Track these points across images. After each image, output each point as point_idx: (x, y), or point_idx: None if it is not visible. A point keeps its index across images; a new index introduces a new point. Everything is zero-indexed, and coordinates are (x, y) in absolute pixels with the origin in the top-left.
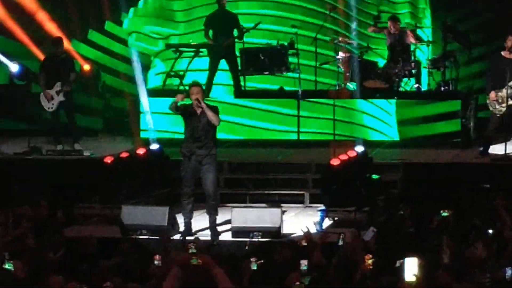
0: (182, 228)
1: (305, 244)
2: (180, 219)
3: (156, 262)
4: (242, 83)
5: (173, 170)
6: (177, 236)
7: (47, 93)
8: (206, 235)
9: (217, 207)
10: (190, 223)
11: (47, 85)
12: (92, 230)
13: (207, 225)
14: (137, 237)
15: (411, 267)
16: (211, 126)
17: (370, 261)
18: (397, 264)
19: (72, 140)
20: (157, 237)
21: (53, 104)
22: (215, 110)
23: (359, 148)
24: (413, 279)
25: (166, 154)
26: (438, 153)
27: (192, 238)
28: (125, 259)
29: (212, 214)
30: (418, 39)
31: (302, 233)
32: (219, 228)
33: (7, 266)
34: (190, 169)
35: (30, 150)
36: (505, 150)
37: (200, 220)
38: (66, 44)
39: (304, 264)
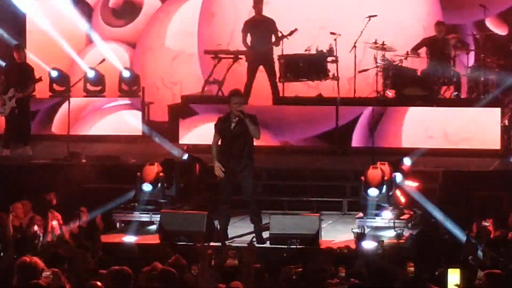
0: (219, 234)
1: (345, 251)
2: (218, 225)
3: (193, 271)
4: (280, 90)
5: (211, 175)
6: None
7: (0, 98)
8: (242, 242)
9: (260, 213)
10: (227, 229)
11: (3, 90)
12: (132, 236)
13: (244, 231)
14: (176, 243)
15: (453, 278)
16: (247, 133)
17: (412, 269)
18: (437, 273)
19: (23, 143)
20: (195, 243)
21: (4, 109)
22: (255, 121)
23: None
24: None
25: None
26: (477, 161)
27: (229, 243)
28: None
29: (256, 222)
30: (458, 47)
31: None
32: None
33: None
34: (228, 176)
35: (69, 156)
36: None
37: (237, 227)
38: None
39: (342, 271)
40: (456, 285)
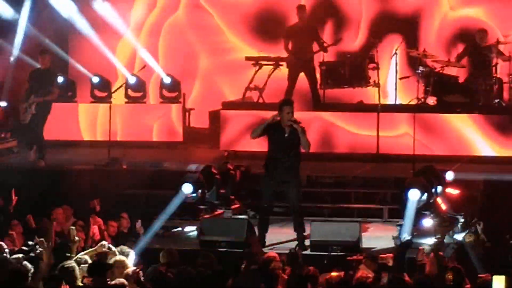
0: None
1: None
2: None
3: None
4: (321, 96)
5: (254, 183)
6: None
7: (21, 106)
8: (281, 248)
9: (304, 223)
10: (265, 236)
11: (25, 98)
12: (172, 242)
13: (283, 238)
14: (216, 249)
15: (499, 286)
16: (297, 143)
17: (450, 277)
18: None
19: (39, 156)
20: (235, 250)
21: (26, 116)
22: (304, 131)
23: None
24: None
25: (248, 165)
26: None
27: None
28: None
29: (299, 231)
30: (500, 54)
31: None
32: (295, 241)
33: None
34: (272, 184)
35: (110, 161)
36: None
37: (276, 233)
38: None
39: (385, 277)
40: None
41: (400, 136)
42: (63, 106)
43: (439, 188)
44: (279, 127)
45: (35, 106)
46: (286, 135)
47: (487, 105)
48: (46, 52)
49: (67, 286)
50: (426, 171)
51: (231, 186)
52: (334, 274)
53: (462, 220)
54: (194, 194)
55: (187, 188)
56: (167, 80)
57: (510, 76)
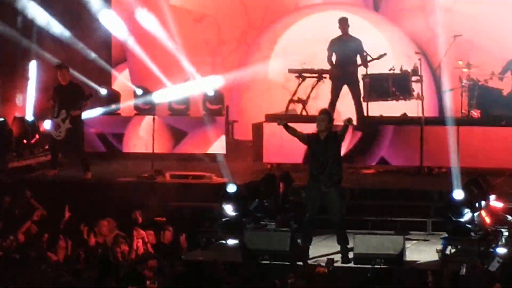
0: (302, 253)
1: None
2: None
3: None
4: (364, 109)
5: (297, 194)
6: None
7: (54, 122)
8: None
9: (346, 235)
10: (308, 248)
11: (55, 114)
12: (215, 254)
13: (327, 251)
14: (259, 261)
15: None
16: (336, 151)
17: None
18: None
19: (82, 168)
20: (279, 262)
21: (60, 132)
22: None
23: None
24: None
25: (292, 178)
26: None
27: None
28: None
29: (342, 244)
30: None
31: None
32: (339, 254)
33: None
34: (314, 196)
35: (153, 173)
36: None
37: (320, 246)
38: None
39: None
40: None
41: (444, 149)
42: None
43: (483, 202)
44: (315, 136)
45: (70, 120)
46: (322, 144)
47: None
48: (63, 66)
49: None
50: (473, 182)
51: (275, 199)
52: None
53: (506, 233)
54: (235, 213)
55: (228, 209)
56: (210, 92)
57: None
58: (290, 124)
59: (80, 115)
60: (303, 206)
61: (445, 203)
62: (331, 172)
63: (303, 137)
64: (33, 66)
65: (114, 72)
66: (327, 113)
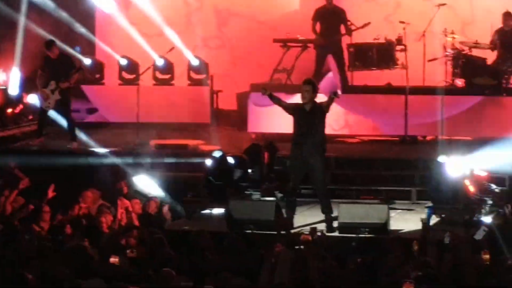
0: (286, 223)
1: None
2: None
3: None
4: (349, 78)
5: (281, 164)
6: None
7: (43, 92)
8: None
9: (331, 204)
10: (293, 218)
11: (43, 84)
12: (200, 224)
13: (312, 220)
14: (244, 231)
15: None
16: (321, 122)
17: (487, 257)
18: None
19: (69, 138)
20: (264, 232)
21: (49, 103)
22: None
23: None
24: None
25: (277, 147)
26: None
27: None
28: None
29: (327, 213)
30: None
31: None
32: (324, 223)
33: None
34: (298, 165)
35: (138, 144)
36: None
37: (306, 215)
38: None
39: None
40: None
41: (428, 118)
42: (91, 88)
43: (467, 170)
44: (301, 106)
45: (59, 91)
46: (306, 114)
47: None
48: (51, 44)
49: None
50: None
51: (259, 168)
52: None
53: (490, 202)
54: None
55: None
56: (195, 62)
57: None
58: (274, 93)
59: (69, 87)
60: (287, 175)
61: (429, 171)
62: (315, 142)
63: (288, 107)
64: (19, 36)
65: (98, 42)
66: (311, 83)
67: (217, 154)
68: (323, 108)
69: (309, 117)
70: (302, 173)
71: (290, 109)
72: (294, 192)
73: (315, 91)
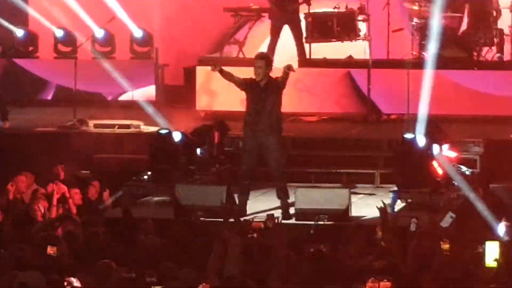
0: (239, 209)
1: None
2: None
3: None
4: (307, 51)
5: (233, 145)
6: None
7: None
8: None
9: (287, 189)
10: (246, 203)
11: None
12: (144, 210)
13: (267, 206)
14: (192, 218)
15: (492, 252)
16: (276, 99)
17: (447, 246)
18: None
19: (0, 117)
20: (214, 219)
21: None
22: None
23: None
24: (494, 264)
25: (228, 127)
26: None
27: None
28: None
29: (283, 198)
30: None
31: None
32: (279, 209)
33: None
34: (251, 145)
35: (76, 123)
36: None
37: (260, 201)
38: None
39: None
40: (495, 260)
41: (393, 94)
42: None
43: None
44: (254, 82)
45: None
46: (261, 90)
47: (486, 61)
48: None
49: None
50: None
51: (209, 149)
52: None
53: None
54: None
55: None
56: (138, 33)
57: None
58: (225, 68)
59: None
60: (239, 157)
61: (394, 152)
62: (270, 120)
63: (240, 83)
64: None
65: (31, 11)
66: (264, 58)
67: (163, 132)
68: (279, 84)
69: (264, 93)
70: (256, 154)
71: (243, 85)
72: (248, 175)
73: (269, 65)
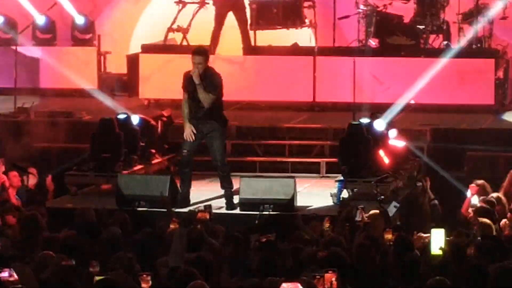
0: (180, 198)
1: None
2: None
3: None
4: (251, 39)
5: (176, 134)
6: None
7: None
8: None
9: (230, 178)
10: (189, 193)
11: None
12: (86, 200)
13: (210, 196)
14: (135, 208)
15: (437, 240)
16: (216, 89)
17: (390, 236)
18: (426, 240)
19: None
20: (157, 209)
21: None
22: (215, 82)
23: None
24: (440, 252)
25: (171, 117)
26: (469, 118)
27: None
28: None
29: (227, 188)
30: None
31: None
32: (223, 199)
33: None
34: (194, 134)
35: (16, 111)
36: None
37: (203, 191)
38: None
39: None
40: (441, 248)
41: (338, 82)
42: None
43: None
44: (191, 77)
45: None
46: (197, 83)
47: (433, 48)
48: None
49: None
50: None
51: (152, 139)
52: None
53: (406, 175)
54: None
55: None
56: (80, 20)
57: (459, 16)
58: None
59: None
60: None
61: (341, 141)
62: (211, 111)
63: (184, 84)
64: None
65: None
66: (202, 54)
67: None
68: (217, 76)
69: (199, 85)
70: (197, 142)
71: (187, 87)
72: (188, 162)
73: (207, 59)
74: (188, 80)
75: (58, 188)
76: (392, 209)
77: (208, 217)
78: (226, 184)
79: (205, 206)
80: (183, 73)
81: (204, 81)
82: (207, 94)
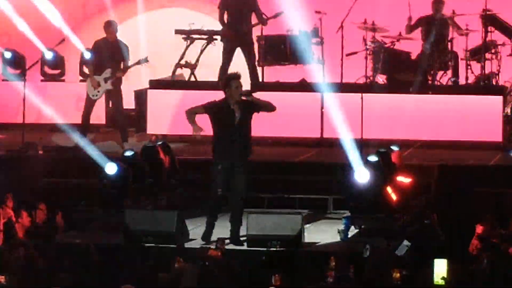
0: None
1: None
2: (192, 225)
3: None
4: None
5: (186, 170)
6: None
7: (93, 80)
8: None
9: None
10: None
11: (95, 71)
12: (93, 236)
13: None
14: (142, 244)
15: (440, 269)
16: (247, 122)
17: (398, 275)
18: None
19: (121, 137)
20: (164, 245)
21: (98, 91)
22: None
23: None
24: (442, 282)
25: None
26: (476, 155)
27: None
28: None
29: (234, 224)
30: (456, 27)
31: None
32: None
33: None
34: (222, 169)
35: (25, 147)
36: None
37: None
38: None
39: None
40: (443, 278)
41: (347, 118)
42: None
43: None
44: (227, 108)
45: (112, 81)
46: (236, 114)
47: (441, 85)
48: (112, 24)
49: None
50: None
51: (160, 174)
52: None
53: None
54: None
55: (110, 168)
56: (88, 55)
57: (467, 52)
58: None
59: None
60: (211, 182)
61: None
62: (242, 143)
63: (204, 108)
64: None
65: None
66: (240, 78)
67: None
68: (254, 107)
69: (237, 116)
70: (229, 177)
71: (208, 109)
72: (221, 199)
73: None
74: (222, 111)
75: (66, 223)
76: (403, 248)
77: (220, 254)
78: (239, 218)
79: (217, 241)
80: (213, 101)
81: (242, 110)
82: (266, 102)
